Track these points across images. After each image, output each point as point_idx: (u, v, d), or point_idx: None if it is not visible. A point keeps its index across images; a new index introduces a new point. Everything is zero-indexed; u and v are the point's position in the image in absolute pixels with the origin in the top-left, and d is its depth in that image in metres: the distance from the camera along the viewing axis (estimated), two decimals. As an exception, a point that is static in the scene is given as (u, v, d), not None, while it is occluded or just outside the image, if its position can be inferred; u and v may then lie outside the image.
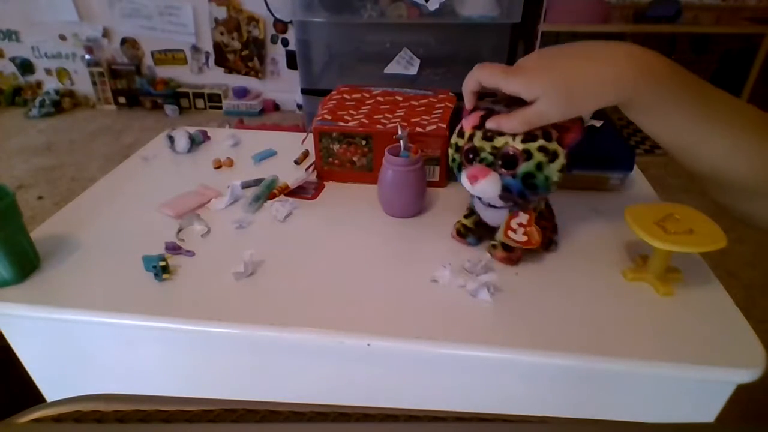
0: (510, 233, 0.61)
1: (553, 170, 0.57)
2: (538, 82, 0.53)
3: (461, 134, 0.61)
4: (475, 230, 0.67)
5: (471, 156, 0.59)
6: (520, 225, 0.61)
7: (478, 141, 0.58)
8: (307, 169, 0.85)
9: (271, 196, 0.78)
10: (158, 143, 0.97)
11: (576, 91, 0.53)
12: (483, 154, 0.58)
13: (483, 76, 0.58)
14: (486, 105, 0.61)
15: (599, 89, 0.53)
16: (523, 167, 0.56)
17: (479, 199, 0.64)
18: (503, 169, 0.57)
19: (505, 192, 0.58)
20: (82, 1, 3.10)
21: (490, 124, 0.58)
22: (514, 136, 0.56)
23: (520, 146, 0.56)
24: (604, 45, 0.54)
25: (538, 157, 0.56)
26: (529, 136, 0.56)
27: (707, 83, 0.54)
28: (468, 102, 0.61)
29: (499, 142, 0.57)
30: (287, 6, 2.74)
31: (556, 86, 0.53)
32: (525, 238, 0.61)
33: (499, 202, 0.61)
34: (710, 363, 0.50)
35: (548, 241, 0.66)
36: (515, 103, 0.57)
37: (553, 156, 0.56)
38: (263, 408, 0.24)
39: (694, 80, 0.53)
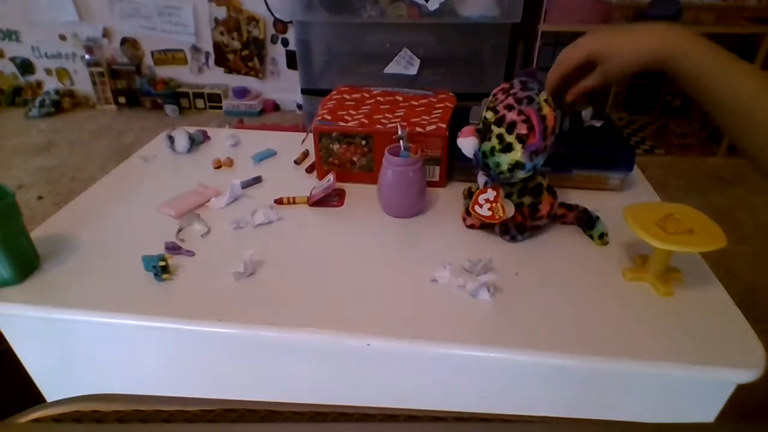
0: (476, 207, 0.67)
1: (503, 160, 0.62)
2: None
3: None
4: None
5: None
6: (487, 201, 0.66)
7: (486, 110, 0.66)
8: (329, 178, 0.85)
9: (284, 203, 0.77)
10: (158, 143, 0.97)
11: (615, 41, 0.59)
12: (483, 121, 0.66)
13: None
14: (521, 78, 0.67)
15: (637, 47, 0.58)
16: (483, 144, 0.63)
17: (483, 171, 0.69)
18: (478, 139, 0.64)
19: (475, 158, 0.65)
20: (82, 1, 3.10)
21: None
22: (494, 115, 0.62)
23: (491, 126, 0.63)
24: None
25: (494, 141, 0.62)
26: (497, 122, 0.62)
27: None
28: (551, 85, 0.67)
29: (488, 114, 0.64)
30: (287, 6, 2.74)
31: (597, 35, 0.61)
32: (489, 213, 0.66)
33: (482, 172, 0.69)
34: (710, 363, 0.50)
35: (553, 216, 0.71)
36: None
37: (506, 147, 0.61)
38: (263, 408, 0.24)
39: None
